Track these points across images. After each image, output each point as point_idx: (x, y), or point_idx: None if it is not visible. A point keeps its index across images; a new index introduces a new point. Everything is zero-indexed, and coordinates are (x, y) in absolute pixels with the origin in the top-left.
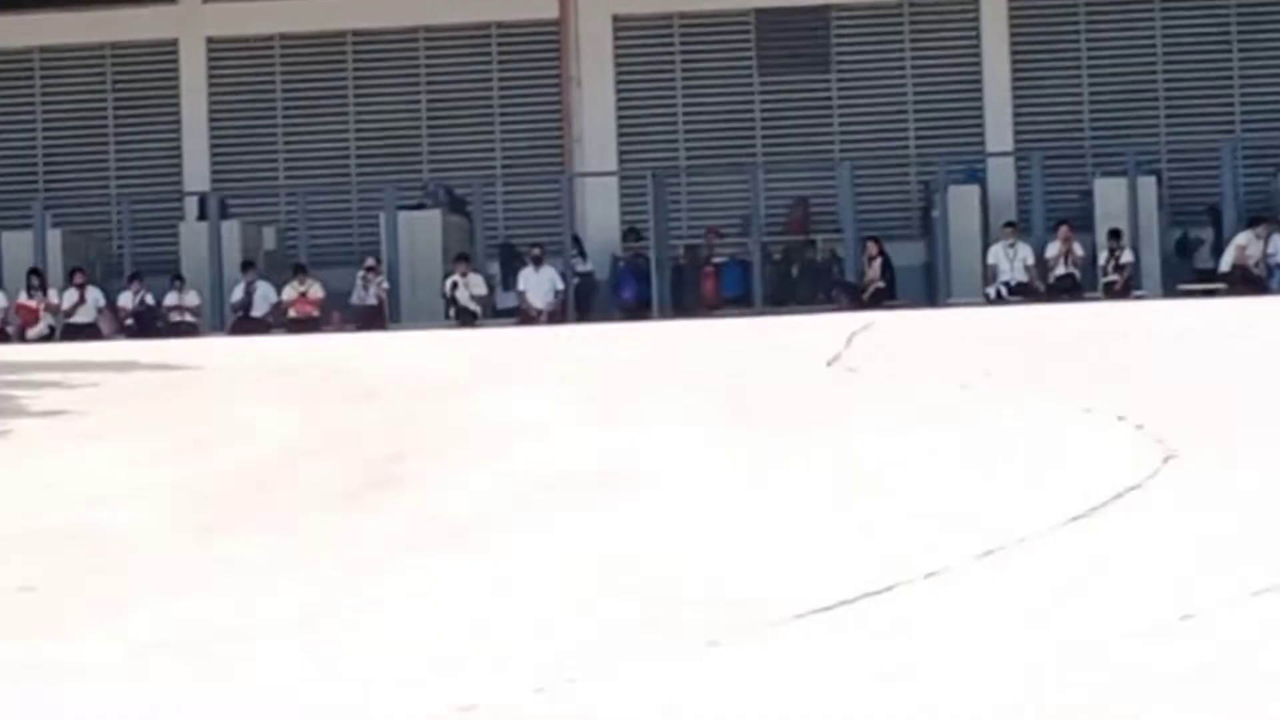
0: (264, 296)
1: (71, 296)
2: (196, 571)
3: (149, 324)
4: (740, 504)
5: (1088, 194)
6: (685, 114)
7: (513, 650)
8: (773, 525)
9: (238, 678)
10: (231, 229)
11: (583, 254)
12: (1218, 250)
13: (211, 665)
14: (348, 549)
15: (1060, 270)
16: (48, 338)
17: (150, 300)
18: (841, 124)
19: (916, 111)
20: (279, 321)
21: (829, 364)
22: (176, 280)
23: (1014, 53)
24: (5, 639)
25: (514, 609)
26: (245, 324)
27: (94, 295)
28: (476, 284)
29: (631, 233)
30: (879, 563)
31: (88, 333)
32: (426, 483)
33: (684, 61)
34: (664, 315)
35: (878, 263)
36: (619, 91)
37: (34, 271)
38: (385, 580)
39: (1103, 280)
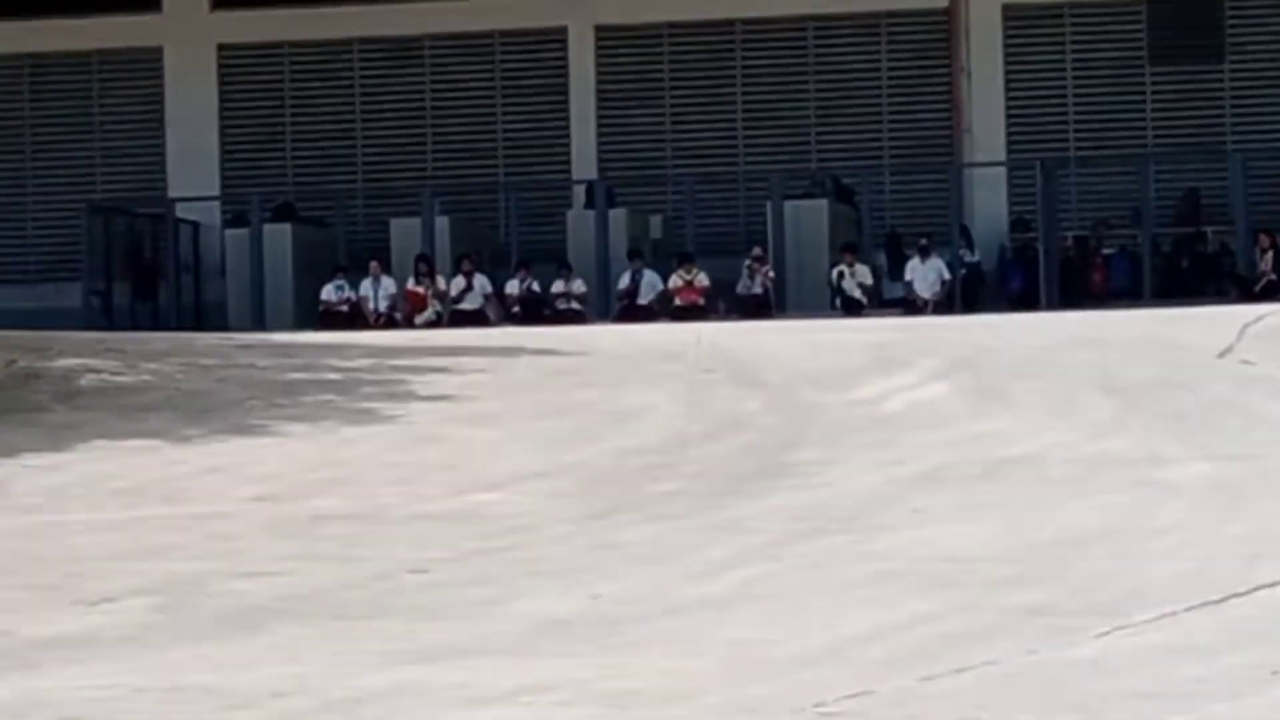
0: (650, 284)
1: (459, 283)
2: (585, 556)
3: (535, 311)
4: (1131, 493)
5: None
6: (1075, 104)
7: (898, 641)
8: (1164, 515)
9: (633, 658)
10: (619, 217)
11: (970, 245)
12: None
13: (608, 644)
14: (736, 536)
15: None
16: (435, 324)
17: (536, 288)
18: (1234, 114)
19: None
20: (664, 309)
21: (1220, 356)
22: (563, 268)
23: None
24: (395, 620)
25: (891, 597)
26: (631, 312)
27: (481, 282)
28: (863, 274)
29: (1020, 223)
30: None
31: (474, 319)
32: (815, 471)
33: (1074, 51)
34: (1051, 306)
35: (1269, 255)
36: (1008, 81)
37: (422, 258)
38: (772, 565)
39: None
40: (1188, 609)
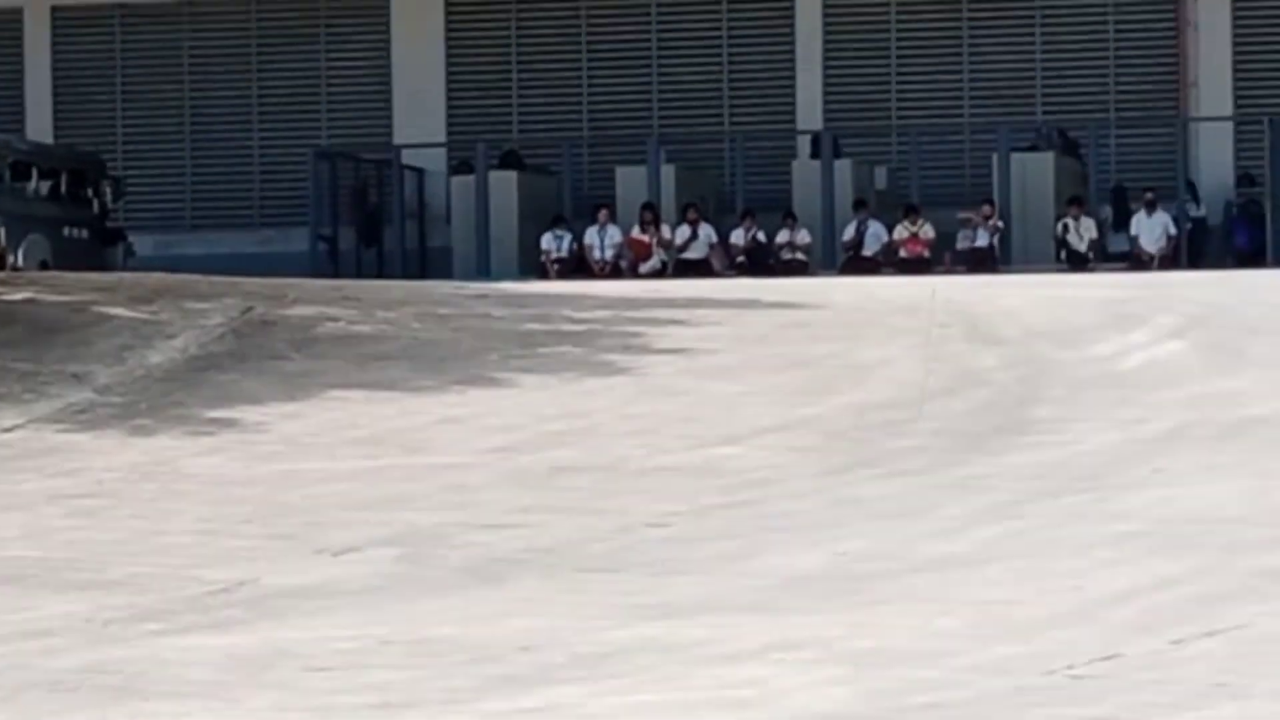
0: (875, 236)
1: (684, 232)
2: (826, 512)
3: (760, 261)
4: None
5: None
6: None
7: (1145, 604)
8: None
9: (879, 616)
10: (844, 168)
11: (1196, 199)
12: None
13: (853, 601)
14: (977, 494)
15: None
16: (660, 273)
17: (762, 238)
18: None
19: None
20: (889, 261)
21: None
22: (788, 218)
23: None
24: (638, 574)
25: (1136, 558)
26: (856, 263)
27: (706, 231)
28: (1088, 227)
29: (1246, 178)
30: None
31: (699, 269)
32: (1055, 429)
33: None
34: (1279, 263)
35: None
36: (1236, 34)
37: (647, 206)
38: (1014, 523)
39: None
40: None
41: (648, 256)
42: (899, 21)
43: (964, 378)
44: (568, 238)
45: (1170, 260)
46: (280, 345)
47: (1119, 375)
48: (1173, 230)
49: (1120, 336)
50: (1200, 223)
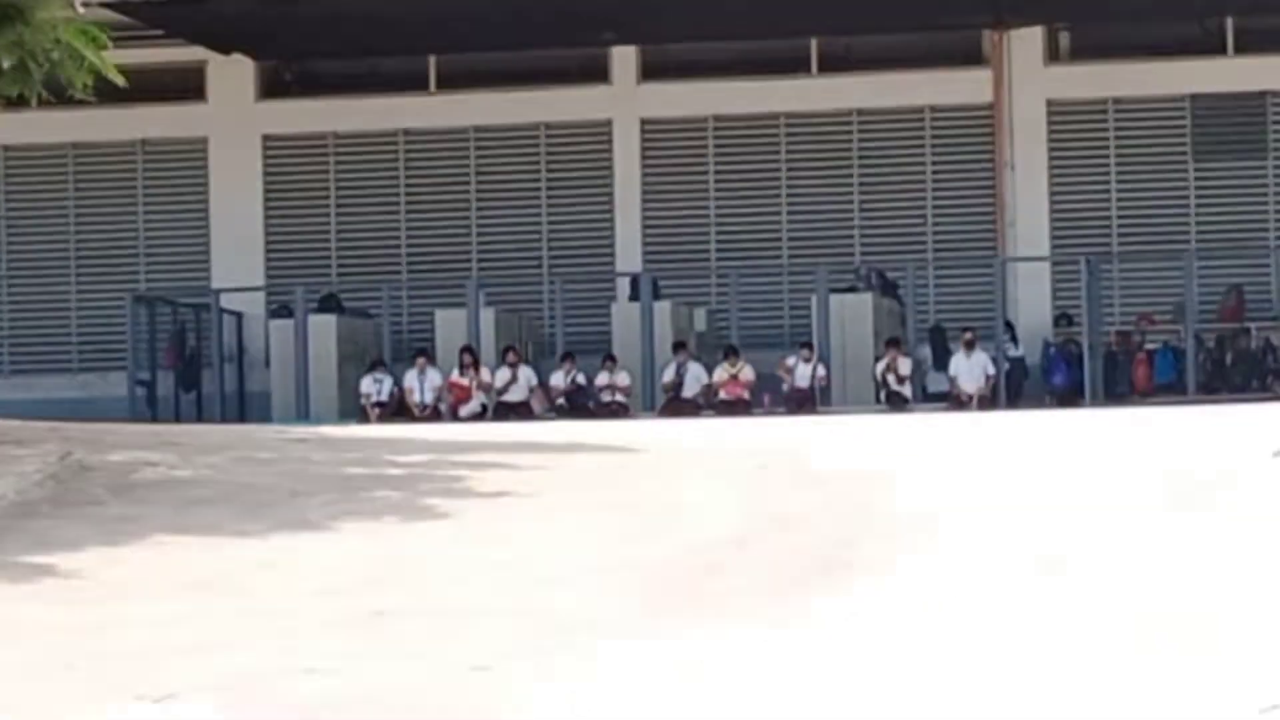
0: (695, 377)
1: (504, 375)
2: (648, 653)
3: (580, 404)
4: (1207, 584)
5: None
6: (1119, 198)
7: None
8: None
9: None
10: (663, 310)
11: (1014, 339)
12: None
13: None
14: (802, 633)
15: None
16: (480, 416)
17: (582, 380)
18: (1278, 210)
19: None
20: (709, 403)
21: (1276, 455)
22: (608, 360)
23: None
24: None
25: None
26: (676, 405)
27: (526, 374)
28: (905, 367)
29: (1063, 318)
30: None
31: (520, 411)
32: (878, 569)
33: (1118, 146)
34: (1095, 402)
35: None
36: (1052, 175)
37: (467, 349)
38: (851, 663)
39: None
40: None
41: (468, 400)
42: (717, 164)
43: (784, 520)
44: (388, 381)
45: (989, 400)
46: (99, 491)
47: (938, 515)
48: (991, 370)
49: (940, 478)
50: (1019, 362)
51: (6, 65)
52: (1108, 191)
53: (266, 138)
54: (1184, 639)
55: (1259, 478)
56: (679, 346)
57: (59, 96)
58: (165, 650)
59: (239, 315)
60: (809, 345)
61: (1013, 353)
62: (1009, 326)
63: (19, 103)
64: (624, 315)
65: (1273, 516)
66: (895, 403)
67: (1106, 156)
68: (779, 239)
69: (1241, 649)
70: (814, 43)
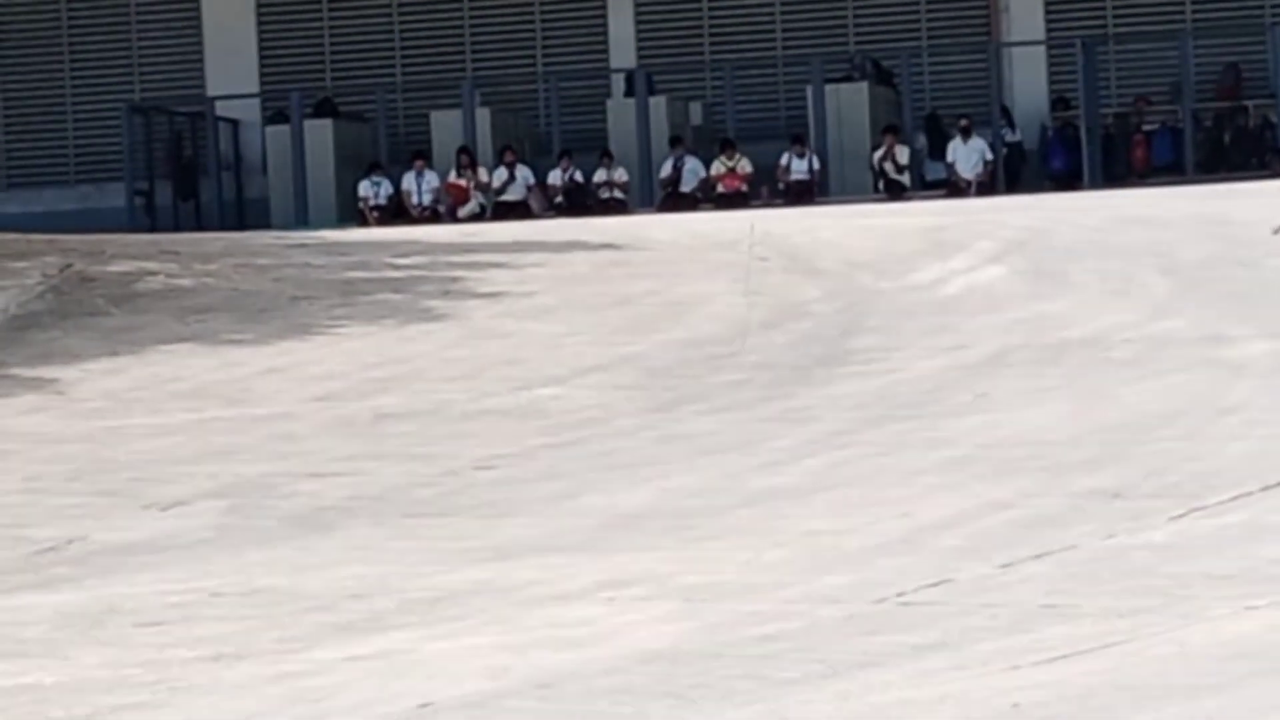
0: (692, 172)
1: (501, 175)
2: (653, 449)
3: (578, 201)
4: (1194, 373)
5: None
6: None
7: (973, 529)
8: (1231, 395)
9: (709, 551)
10: (659, 105)
11: (1011, 124)
12: None
13: (683, 537)
14: (802, 425)
15: None
16: (478, 216)
17: (579, 177)
18: None
19: None
20: (708, 196)
21: (1276, 232)
22: (605, 157)
23: None
24: (467, 518)
25: (962, 483)
26: (674, 200)
27: (523, 173)
28: (903, 155)
29: (1060, 102)
30: None
31: (518, 211)
32: (877, 358)
33: None
34: (1094, 184)
35: None
36: None
37: (463, 150)
38: (841, 453)
39: None
40: (1263, 489)
41: (465, 200)
42: None
43: (785, 310)
44: (385, 184)
45: (987, 186)
46: (100, 301)
47: (939, 302)
48: (989, 156)
49: (939, 264)
50: (1016, 147)
51: None
52: None
53: None
54: None
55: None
56: (675, 141)
57: None
58: (170, 459)
59: (235, 122)
60: (800, 139)
61: (1010, 138)
62: (1005, 112)
63: None
64: (620, 111)
65: None
66: (893, 191)
67: None
68: (773, 30)
69: None
70: None
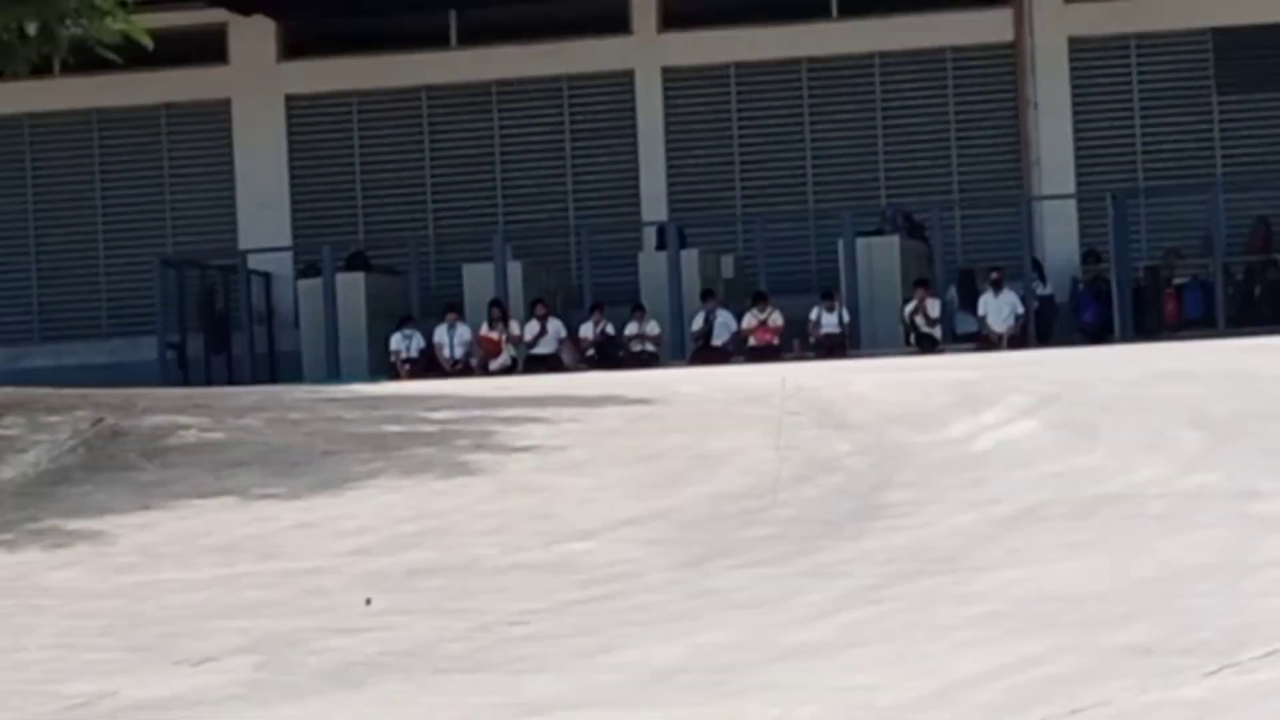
0: (724, 325)
1: (533, 328)
2: (684, 604)
3: (610, 354)
4: (1228, 528)
5: None
6: (1143, 134)
7: (1007, 684)
8: (1264, 551)
9: (741, 706)
10: (690, 258)
11: (1043, 277)
12: None
13: (715, 693)
14: (834, 580)
15: None
16: (510, 369)
17: (611, 330)
18: None
19: None
20: (739, 350)
21: None
22: (637, 310)
23: None
24: (497, 673)
25: (995, 639)
26: (706, 353)
27: (555, 326)
28: (934, 309)
29: (1091, 255)
30: None
31: (550, 364)
32: (909, 512)
33: (1141, 81)
34: (1126, 338)
35: None
36: (1076, 112)
37: (495, 303)
38: (872, 608)
39: None
40: None
41: (498, 354)
42: (740, 109)
43: (817, 464)
44: (417, 337)
45: (1018, 339)
46: (132, 455)
47: (971, 457)
48: (1020, 309)
49: (972, 418)
50: (1048, 300)
51: (32, 30)
52: (1132, 127)
53: (289, 98)
54: None
55: None
56: (707, 294)
57: (82, 63)
58: (201, 614)
59: (267, 276)
60: (830, 294)
61: (1041, 291)
62: (1037, 265)
63: (43, 70)
64: (651, 264)
65: None
66: (925, 344)
67: (1129, 92)
68: (804, 184)
69: None
70: None
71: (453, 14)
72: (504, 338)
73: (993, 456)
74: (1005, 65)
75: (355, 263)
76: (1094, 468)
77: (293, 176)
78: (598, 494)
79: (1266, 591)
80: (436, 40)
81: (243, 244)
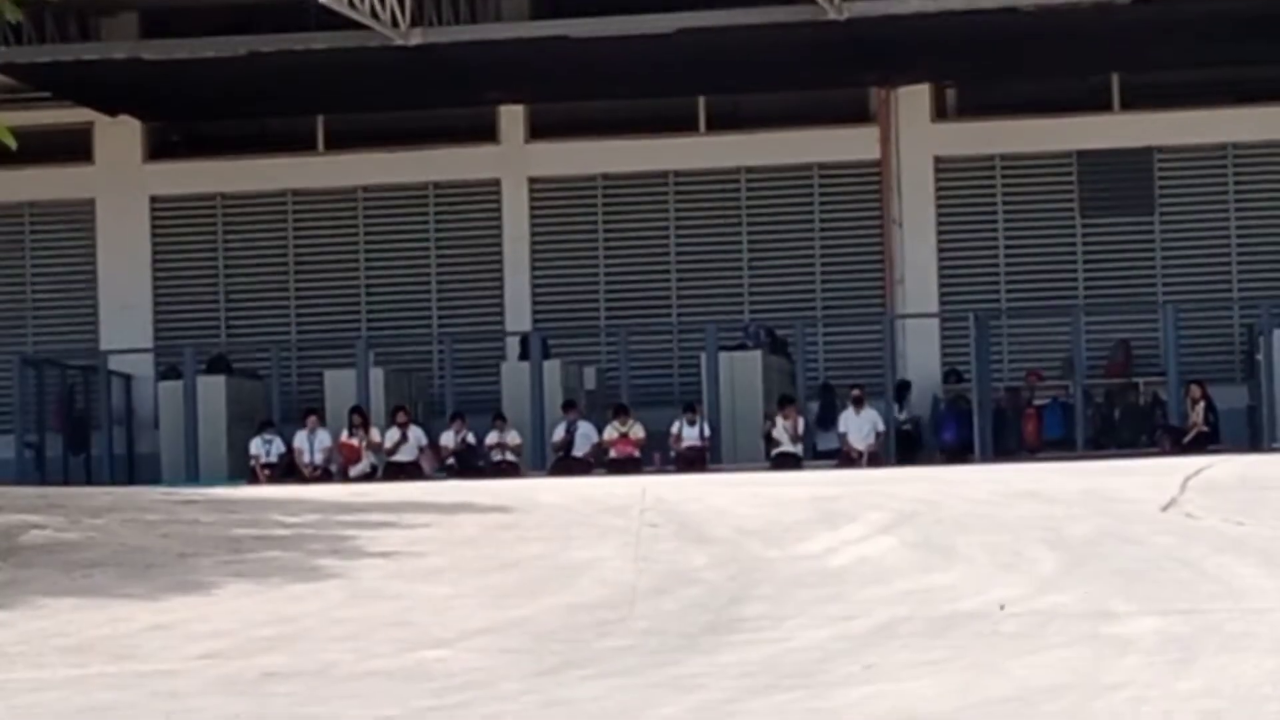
0: (585, 436)
1: (394, 435)
2: (540, 713)
3: (470, 463)
4: (1082, 648)
5: None
6: (1007, 255)
7: None
8: (1117, 672)
9: None
10: (553, 369)
11: (902, 402)
12: None
13: None
14: (688, 693)
15: None
16: (369, 476)
17: (472, 439)
18: (1164, 266)
19: (1240, 254)
20: (600, 461)
21: (1164, 509)
22: (498, 419)
23: None
24: None
25: None
26: (566, 464)
27: (416, 434)
28: (799, 426)
29: (953, 374)
30: None
31: (409, 471)
32: (765, 626)
33: (1006, 202)
34: (985, 457)
35: (1200, 406)
36: (940, 232)
37: (356, 409)
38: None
39: None
40: None
41: (357, 460)
42: (606, 223)
43: (674, 577)
44: (277, 442)
45: (878, 457)
46: None
47: (829, 572)
48: (881, 426)
49: (830, 533)
50: (914, 421)
51: None
52: (996, 248)
53: (154, 199)
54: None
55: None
56: (569, 405)
57: None
58: (51, 715)
59: (128, 377)
60: (692, 407)
61: (901, 416)
62: (905, 385)
63: None
64: (514, 374)
65: None
66: (785, 462)
67: (994, 213)
68: (669, 297)
69: None
70: (702, 101)
71: (320, 119)
72: (364, 444)
73: (850, 572)
74: (871, 183)
75: (217, 366)
76: (949, 585)
77: (156, 278)
78: (454, 602)
79: (1118, 713)
80: (303, 144)
81: (104, 344)
